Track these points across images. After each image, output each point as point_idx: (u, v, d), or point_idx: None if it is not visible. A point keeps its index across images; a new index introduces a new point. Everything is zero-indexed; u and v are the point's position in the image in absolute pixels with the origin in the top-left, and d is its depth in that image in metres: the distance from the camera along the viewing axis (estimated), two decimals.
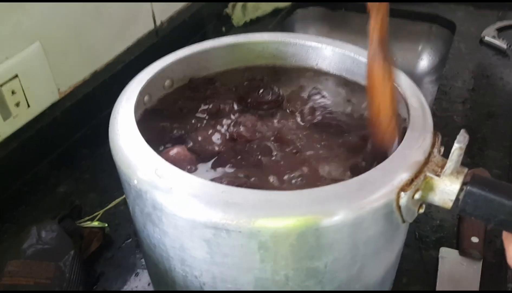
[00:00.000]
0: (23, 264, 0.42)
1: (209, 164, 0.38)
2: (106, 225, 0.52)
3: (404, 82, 0.39)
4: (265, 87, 0.45)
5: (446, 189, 0.31)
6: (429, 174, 0.31)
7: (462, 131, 0.29)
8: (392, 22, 1.01)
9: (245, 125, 0.41)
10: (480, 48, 0.84)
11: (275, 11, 0.99)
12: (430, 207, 0.54)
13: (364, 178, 0.30)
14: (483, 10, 0.95)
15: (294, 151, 0.38)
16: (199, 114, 0.43)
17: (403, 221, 0.32)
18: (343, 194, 0.29)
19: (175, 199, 0.29)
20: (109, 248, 0.52)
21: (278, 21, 0.97)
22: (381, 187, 0.29)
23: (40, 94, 0.62)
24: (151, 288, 0.47)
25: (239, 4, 0.96)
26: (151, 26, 0.82)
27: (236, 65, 0.49)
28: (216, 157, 0.38)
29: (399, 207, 0.30)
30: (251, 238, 0.28)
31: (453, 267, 0.48)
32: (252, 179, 0.34)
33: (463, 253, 0.49)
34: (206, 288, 0.33)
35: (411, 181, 0.30)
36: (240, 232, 0.28)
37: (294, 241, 0.29)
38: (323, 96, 0.45)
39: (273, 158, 0.37)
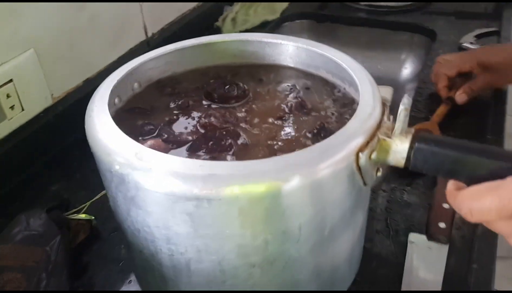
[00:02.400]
0: (12, 248, 0.45)
1: (183, 150, 0.40)
2: (93, 217, 0.55)
3: (355, 67, 0.43)
4: (230, 83, 0.49)
5: (398, 148, 0.34)
6: (381, 136, 0.35)
7: (406, 95, 0.33)
8: (377, 32, 1.07)
9: (214, 116, 0.44)
10: None
11: (263, 24, 1.03)
12: (407, 194, 0.57)
13: (325, 144, 0.34)
14: (463, 20, 0.99)
15: (262, 134, 0.41)
16: (169, 111, 0.46)
17: (364, 184, 0.36)
18: (307, 158, 0.33)
19: (156, 177, 0.32)
20: (96, 240, 0.55)
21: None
22: (341, 150, 0.33)
23: (34, 99, 0.66)
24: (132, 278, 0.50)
25: (229, 17, 1.01)
26: (142, 37, 0.86)
27: (200, 65, 0.52)
28: (190, 144, 0.41)
29: (359, 168, 0.34)
30: (230, 204, 0.31)
31: (421, 251, 0.51)
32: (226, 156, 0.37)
33: (430, 237, 0.51)
34: (192, 264, 0.36)
35: (366, 143, 0.34)
36: (220, 199, 0.31)
37: (268, 205, 0.32)
38: (284, 87, 0.49)
39: (242, 142, 0.40)
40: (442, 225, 0.52)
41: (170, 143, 0.40)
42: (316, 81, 0.50)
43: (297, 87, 0.49)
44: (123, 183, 0.34)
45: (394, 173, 0.62)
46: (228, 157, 0.38)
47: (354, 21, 1.07)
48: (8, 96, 0.62)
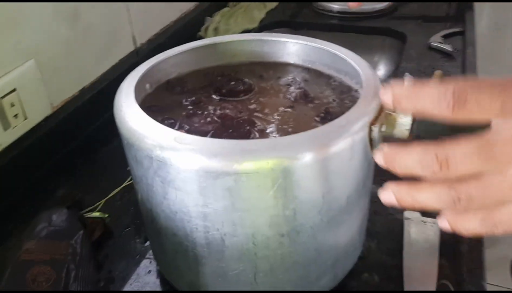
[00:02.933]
0: (38, 243, 0.47)
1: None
2: (107, 215, 0.57)
3: (357, 60, 0.48)
4: (236, 79, 0.53)
5: (402, 121, 0.39)
6: (387, 111, 0.39)
7: (407, 74, 0.38)
8: (350, 37, 1.15)
9: (228, 108, 0.48)
10: (428, 53, 0.95)
11: (244, 33, 1.08)
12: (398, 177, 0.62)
13: (343, 119, 0.38)
14: (430, 23, 1.07)
15: (274, 121, 0.45)
16: (183, 107, 0.49)
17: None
18: (329, 132, 0.37)
19: (198, 157, 0.35)
20: (110, 236, 0.57)
21: None
22: (357, 123, 0.38)
23: (36, 107, 0.68)
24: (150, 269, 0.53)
25: (211, 27, 1.05)
26: (131, 48, 0.89)
27: (203, 66, 0.55)
28: (212, 132, 0.44)
29: (371, 140, 0.39)
30: (265, 177, 0.35)
31: (417, 225, 0.55)
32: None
33: (424, 213, 0.56)
34: (227, 239, 0.39)
35: (376, 117, 0.39)
36: (257, 173, 0.35)
37: (298, 176, 0.36)
38: (285, 80, 0.53)
39: (259, 128, 0.44)
40: None
41: (193, 134, 0.44)
42: (312, 74, 0.54)
43: (297, 79, 0.53)
44: (164, 166, 0.37)
45: None
46: None
47: (329, 27, 1.14)
48: (12, 105, 0.63)
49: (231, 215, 0.38)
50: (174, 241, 0.42)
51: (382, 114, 0.40)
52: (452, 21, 1.10)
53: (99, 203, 0.59)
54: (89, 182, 0.67)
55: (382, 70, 1.11)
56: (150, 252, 0.55)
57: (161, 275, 0.52)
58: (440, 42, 0.97)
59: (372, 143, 0.40)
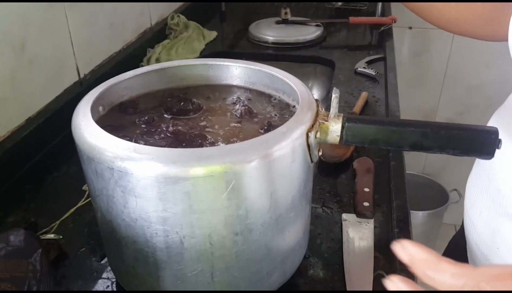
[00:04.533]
0: None
1: None
2: (61, 236, 0.58)
3: (292, 80, 0.55)
4: (185, 100, 0.57)
5: (333, 128, 0.46)
6: (321, 120, 0.46)
7: (335, 88, 0.45)
8: (285, 65, 1.26)
9: (180, 125, 0.52)
10: (355, 77, 1.05)
11: None
12: (335, 187, 0.68)
13: (285, 127, 0.44)
14: (354, 51, 1.18)
15: (223, 135, 0.50)
16: (137, 125, 0.52)
17: (311, 160, 0.47)
18: (273, 139, 0.43)
19: (158, 166, 0.39)
20: (65, 257, 0.58)
21: None
22: (296, 131, 0.44)
23: None
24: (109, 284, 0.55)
25: (153, 57, 1.09)
26: (75, 78, 0.91)
27: (153, 89, 0.59)
28: (166, 146, 0.48)
29: (308, 146, 0.45)
30: (220, 179, 0.39)
31: (353, 225, 0.62)
32: None
33: (359, 215, 0.63)
34: (185, 241, 0.42)
35: (312, 126, 0.45)
36: (212, 176, 0.39)
37: (249, 177, 0.41)
38: (230, 99, 0.59)
39: (210, 141, 0.49)
40: (366, 203, 0.64)
41: None
42: (254, 93, 0.60)
43: (241, 98, 0.59)
44: (125, 176, 0.40)
45: (321, 171, 0.74)
46: None
47: (265, 57, 1.22)
48: None
49: (189, 217, 0.42)
50: (134, 248, 0.45)
51: (317, 123, 0.46)
52: (374, 49, 1.22)
53: (54, 224, 0.60)
54: (39, 207, 0.68)
55: (315, 94, 1.20)
56: (108, 269, 0.57)
57: (120, 288, 0.54)
58: (364, 67, 1.08)
59: (309, 148, 0.46)
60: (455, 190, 1.89)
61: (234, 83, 0.62)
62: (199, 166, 0.39)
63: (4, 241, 0.50)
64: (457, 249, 0.78)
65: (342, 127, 0.46)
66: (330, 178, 0.73)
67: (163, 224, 0.42)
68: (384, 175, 0.72)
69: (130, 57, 1.08)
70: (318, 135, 0.46)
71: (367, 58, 1.13)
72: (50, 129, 0.82)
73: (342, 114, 0.47)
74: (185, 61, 0.61)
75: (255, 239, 0.45)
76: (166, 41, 1.20)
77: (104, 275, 0.56)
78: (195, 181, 0.39)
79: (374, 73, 1.05)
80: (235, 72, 0.61)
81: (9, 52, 0.73)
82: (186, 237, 0.43)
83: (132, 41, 1.11)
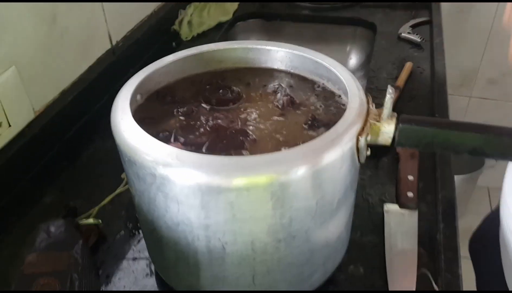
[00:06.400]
0: (40, 255, 0.48)
1: (202, 151, 0.45)
2: (100, 221, 0.58)
3: (343, 72, 0.51)
4: (223, 87, 0.54)
5: (386, 130, 0.43)
6: (372, 121, 0.43)
7: (389, 86, 0.41)
8: (322, 27, 1.18)
9: (220, 118, 0.50)
10: (398, 43, 0.99)
11: (218, 25, 1.09)
12: (376, 171, 0.66)
13: (333, 132, 0.41)
14: (398, 11, 1.11)
15: (265, 130, 0.48)
16: (175, 117, 0.50)
17: (359, 161, 0.44)
18: (322, 145, 0.40)
19: (201, 175, 0.37)
20: (104, 241, 0.59)
21: (223, 33, 1.07)
22: (346, 136, 0.41)
23: (19, 114, 0.68)
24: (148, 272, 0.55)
25: (185, 20, 1.05)
26: (108, 46, 0.89)
27: (190, 73, 0.57)
28: (207, 144, 0.46)
29: (357, 149, 0.42)
30: (265, 191, 0.38)
31: (396, 218, 0.59)
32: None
33: (402, 206, 0.61)
34: (227, 247, 0.41)
35: (362, 128, 0.42)
36: (257, 188, 0.37)
37: (294, 187, 0.39)
38: (270, 86, 0.55)
39: (251, 138, 0.46)
40: (410, 194, 0.62)
41: (188, 146, 0.46)
42: (296, 79, 0.57)
43: (283, 85, 0.56)
44: (167, 183, 0.38)
45: None
46: (243, 152, 0.44)
47: (301, 18, 1.16)
48: None
49: (231, 225, 0.40)
50: (175, 250, 0.45)
51: (367, 125, 0.43)
52: (419, 9, 1.14)
53: (93, 209, 0.60)
54: (75, 187, 0.68)
55: (353, 59, 1.15)
56: (146, 254, 0.57)
57: (158, 276, 0.54)
58: (409, 32, 1.01)
59: (359, 152, 0.43)
60: None
61: (275, 66, 0.58)
62: (243, 177, 0.37)
63: (46, 232, 0.50)
64: (491, 232, 0.75)
65: (396, 128, 0.43)
66: (371, 160, 0.70)
67: (205, 230, 0.41)
68: (429, 161, 0.68)
69: (162, 20, 1.04)
70: (368, 138, 0.42)
71: (412, 22, 1.05)
72: (85, 100, 0.81)
73: (395, 114, 0.44)
74: (224, 44, 0.58)
75: (298, 244, 0.43)
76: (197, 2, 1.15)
77: (143, 262, 0.56)
78: (239, 192, 0.38)
79: (419, 40, 0.99)
80: (276, 55, 0.58)
81: (41, 25, 0.71)
82: (228, 243, 0.42)
83: (163, 3, 1.07)
